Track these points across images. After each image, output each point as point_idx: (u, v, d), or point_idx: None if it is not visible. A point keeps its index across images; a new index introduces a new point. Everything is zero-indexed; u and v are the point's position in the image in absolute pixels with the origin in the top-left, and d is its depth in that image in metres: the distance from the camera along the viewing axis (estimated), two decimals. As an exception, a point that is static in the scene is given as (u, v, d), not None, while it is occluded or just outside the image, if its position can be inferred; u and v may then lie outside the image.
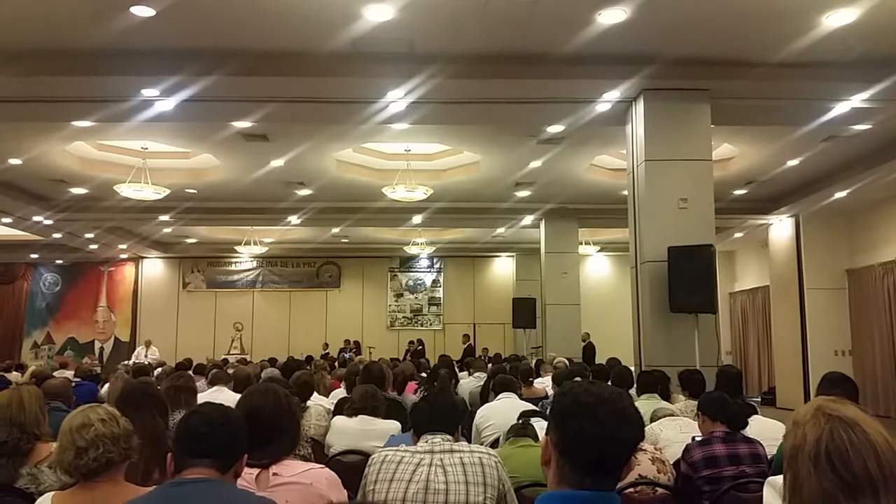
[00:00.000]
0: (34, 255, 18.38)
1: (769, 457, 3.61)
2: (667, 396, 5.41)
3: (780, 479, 1.81)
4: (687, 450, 3.62)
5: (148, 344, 16.54)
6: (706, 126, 7.17)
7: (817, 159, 10.18)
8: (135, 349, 17.31)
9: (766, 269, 15.02)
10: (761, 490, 1.97)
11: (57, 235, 15.40)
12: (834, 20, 5.89)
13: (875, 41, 6.33)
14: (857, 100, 7.28)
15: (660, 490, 3.39)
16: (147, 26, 5.94)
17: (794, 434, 1.44)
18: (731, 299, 17.89)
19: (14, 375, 10.00)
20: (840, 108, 7.54)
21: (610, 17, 5.85)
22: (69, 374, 9.21)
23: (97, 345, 19.63)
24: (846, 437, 1.36)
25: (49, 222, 13.64)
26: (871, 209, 12.53)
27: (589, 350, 14.70)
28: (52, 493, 2.32)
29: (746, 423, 3.83)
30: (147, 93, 7.02)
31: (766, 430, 3.99)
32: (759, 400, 14.29)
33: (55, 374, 7.58)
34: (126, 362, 14.07)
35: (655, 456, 3.52)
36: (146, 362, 12.45)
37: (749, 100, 7.36)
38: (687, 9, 5.80)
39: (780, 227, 14.00)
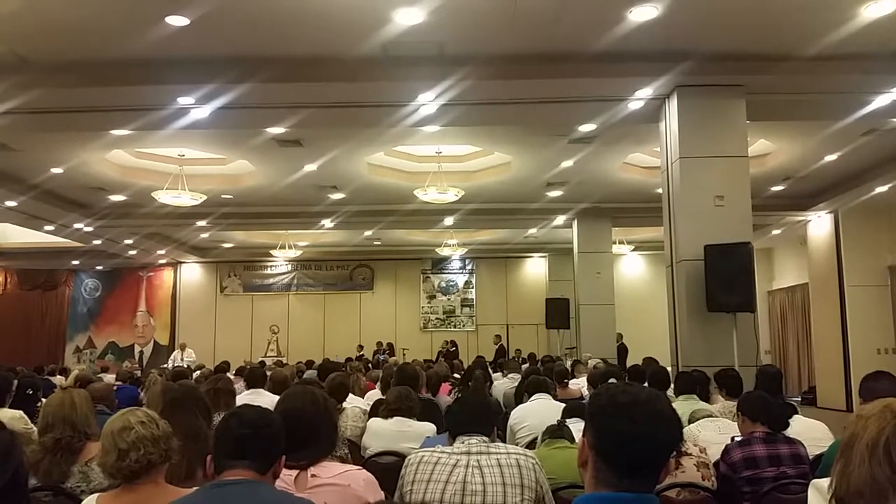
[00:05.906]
0: (75, 262, 18.80)
1: (810, 457, 3.55)
2: (706, 397, 5.34)
3: (825, 481, 1.80)
4: (726, 451, 3.57)
5: (183, 347, 16.75)
6: (742, 122, 7.06)
7: (857, 153, 9.96)
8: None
9: (805, 266, 14.73)
10: (802, 491, 1.95)
11: (97, 242, 15.72)
12: (872, 11, 5.75)
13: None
14: (898, 92, 7.12)
15: (701, 493, 3.33)
16: (182, 36, 6.05)
17: (855, 424, 1.47)
18: (770, 297, 17.57)
19: (58, 379, 10.23)
20: (880, 101, 7.36)
21: (641, 14, 5.79)
22: (110, 377, 9.39)
23: (137, 349, 20.00)
24: None
25: (89, 229, 13.95)
26: (914, 204, 12.22)
27: (622, 351, 14.54)
28: (96, 494, 2.38)
29: (787, 424, 3.76)
30: (183, 101, 7.15)
31: (807, 431, 3.92)
32: (800, 400, 14.02)
33: (99, 376, 7.74)
34: (163, 366, 14.31)
35: (701, 460, 3.45)
36: (184, 365, 12.65)
37: (785, 94, 7.24)
38: (720, 3, 5.72)
39: (819, 224, 13.72)
